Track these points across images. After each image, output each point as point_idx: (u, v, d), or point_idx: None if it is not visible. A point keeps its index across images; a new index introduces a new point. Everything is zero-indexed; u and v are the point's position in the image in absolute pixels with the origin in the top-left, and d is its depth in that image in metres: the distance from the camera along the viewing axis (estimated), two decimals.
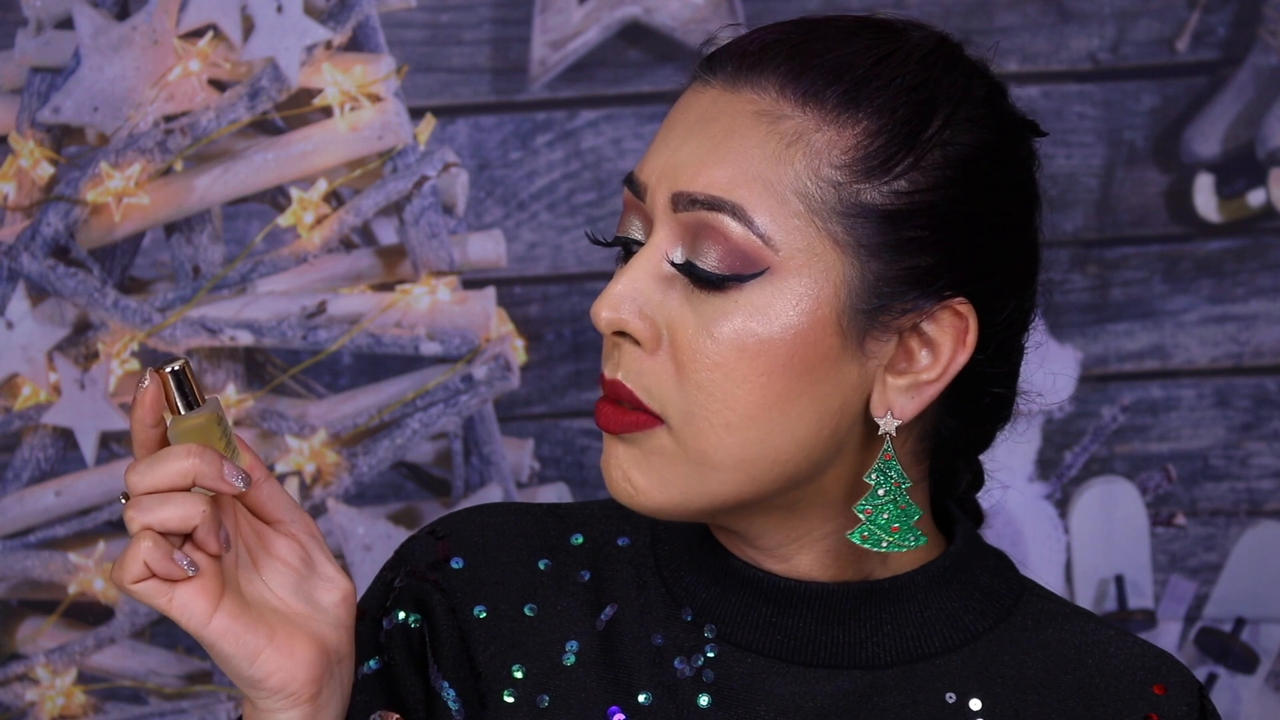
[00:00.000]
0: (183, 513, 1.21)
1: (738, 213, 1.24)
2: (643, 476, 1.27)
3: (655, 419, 1.26)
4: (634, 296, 1.26)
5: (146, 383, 1.23)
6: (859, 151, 1.24)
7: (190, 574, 1.21)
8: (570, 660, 1.34)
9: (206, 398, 1.24)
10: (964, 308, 1.26)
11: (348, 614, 1.27)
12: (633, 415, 1.26)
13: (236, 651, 1.23)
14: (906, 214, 1.24)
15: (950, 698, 1.31)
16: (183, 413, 1.23)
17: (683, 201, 1.25)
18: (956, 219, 1.26)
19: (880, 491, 1.28)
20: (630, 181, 1.28)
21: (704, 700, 1.31)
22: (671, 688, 1.32)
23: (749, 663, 1.31)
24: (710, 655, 1.32)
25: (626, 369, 1.26)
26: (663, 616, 1.34)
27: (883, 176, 1.24)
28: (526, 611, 1.35)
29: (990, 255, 1.27)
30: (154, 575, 1.21)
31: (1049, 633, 1.34)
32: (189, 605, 1.22)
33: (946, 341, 1.27)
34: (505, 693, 1.33)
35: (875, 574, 1.33)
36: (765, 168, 1.24)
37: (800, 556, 1.31)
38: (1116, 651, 1.34)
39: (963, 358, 1.27)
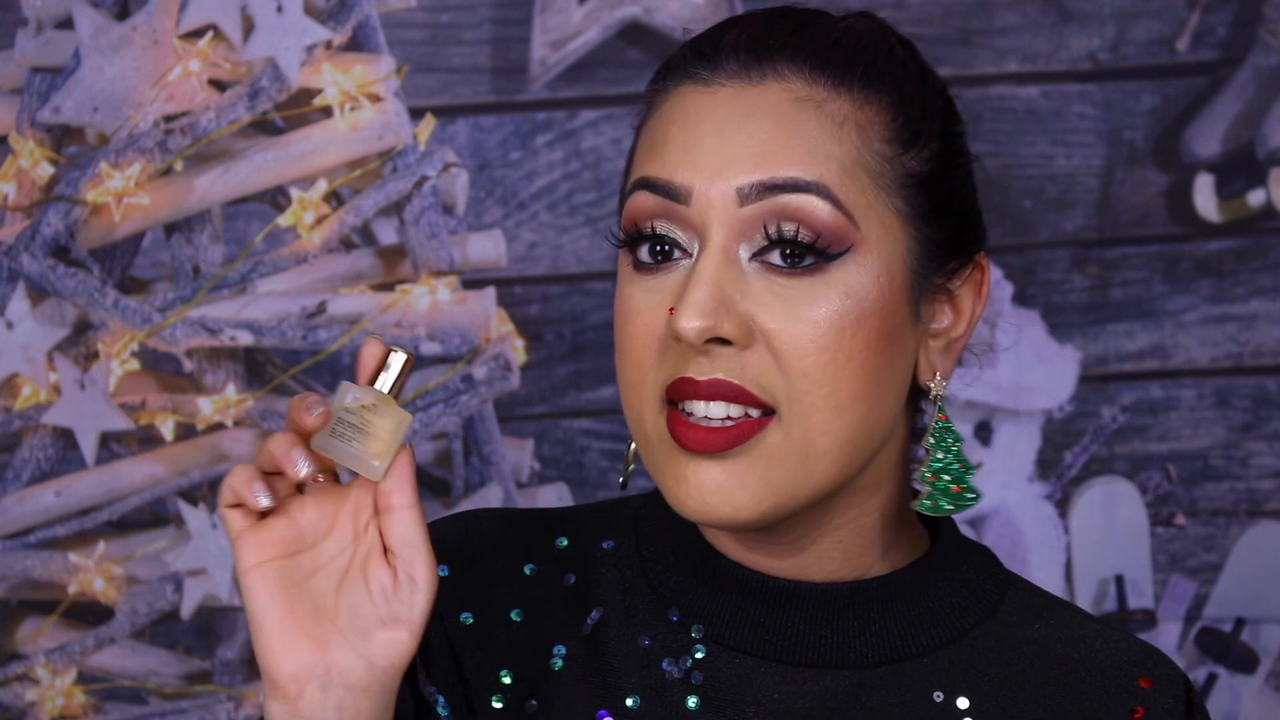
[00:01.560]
0: (267, 444, 1.23)
1: (823, 192, 1.25)
2: (744, 489, 1.26)
3: (764, 418, 1.25)
4: (718, 299, 1.24)
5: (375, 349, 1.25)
6: (892, 127, 1.28)
7: (260, 503, 1.22)
8: (558, 665, 1.34)
9: (397, 405, 1.25)
10: (983, 260, 1.33)
11: (387, 661, 1.24)
12: (735, 429, 1.25)
13: (250, 609, 1.23)
14: (940, 178, 1.29)
15: (938, 696, 1.31)
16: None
17: (756, 191, 1.25)
18: (963, 175, 1.32)
19: (940, 455, 1.29)
20: (657, 188, 1.27)
21: (692, 702, 1.31)
22: (660, 690, 1.32)
23: (737, 663, 1.31)
24: (699, 656, 1.32)
25: (726, 368, 1.25)
26: (649, 618, 1.34)
27: (914, 147, 1.28)
28: (513, 617, 1.35)
29: (975, 204, 1.34)
30: (239, 505, 1.23)
31: (1035, 627, 1.35)
32: (244, 548, 1.22)
33: (968, 295, 1.32)
34: (494, 699, 1.33)
35: (874, 570, 1.33)
36: (830, 147, 1.26)
37: (814, 548, 1.32)
38: (1102, 645, 1.34)
39: (980, 308, 1.32)
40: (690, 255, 1.27)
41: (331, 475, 1.26)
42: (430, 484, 2.32)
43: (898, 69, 1.29)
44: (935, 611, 1.33)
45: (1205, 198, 2.32)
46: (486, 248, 2.31)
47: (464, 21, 2.30)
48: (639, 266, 1.28)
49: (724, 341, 1.24)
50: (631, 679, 1.32)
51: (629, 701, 1.32)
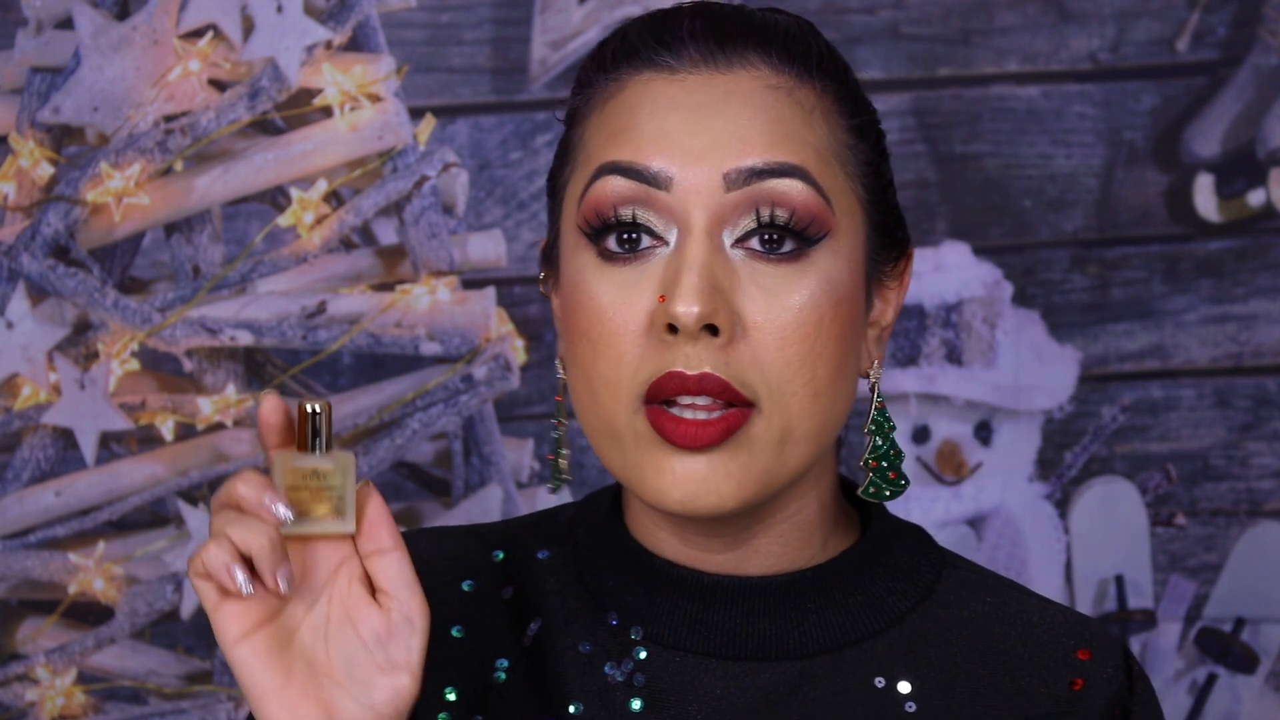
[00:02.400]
0: (244, 536, 1.19)
1: (807, 176, 1.26)
2: (730, 479, 1.26)
3: (746, 409, 1.25)
4: (712, 285, 1.24)
5: (265, 405, 1.21)
6: (846, 116, 1.30)
7: (243, 592, 1.19)
8: (501, 678, 1.34)
9: (336, 452, 1.22)
10: (910, 250, 1.35)
11: (392, 709, 1.23)
12: (721, 420, 1.24)
13: (246, 682, 1.21)
14: (882, 169, 1.31)
15: (879, 682, 1.32)
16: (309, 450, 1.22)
17: (742, 176, 1.25)
18: (889, 167, 1.34)
19: (879, 442, 1.31)
20: (630, 172, 1.26)
21: (636, 704, 1.31)
22: (603, 694, 1.32)
23: (679, 662, 1.32)
24: (640, 658, 1.32)
25: (713, 362, 1.24)
26: (589, 624, 1.34)
27: (863, 137, 1.30)
28: (454, 634, 1.34)
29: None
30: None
31: (972, 606, 1.35)
32: (224, 622, 1.21)
33: (894, 284, 1.33)
34: (440, 716, 1.33)
35: (814, 561, 1.33)
36: (806, 134, 1.27)
37: (754, 541, 1.32)
38: (1039, 620, 1.35)
39: (903, 295, 1.34)
40: (666, 243, 1.26)
41: None
42: (430, 484, 2.32)
43: (839, 62, 1.32)
44: (872, 597, 1.34)
45: (1205, 198, 2.32)
46: (486, 248, 2.31)
47: (464, 21, 2.30)
48: (609, 257, 1.27)
49: (713, 330, 1.24)
50: (574, 685, 1.32)
51: (572, 709, 1.32)
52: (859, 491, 1.32)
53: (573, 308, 1.28)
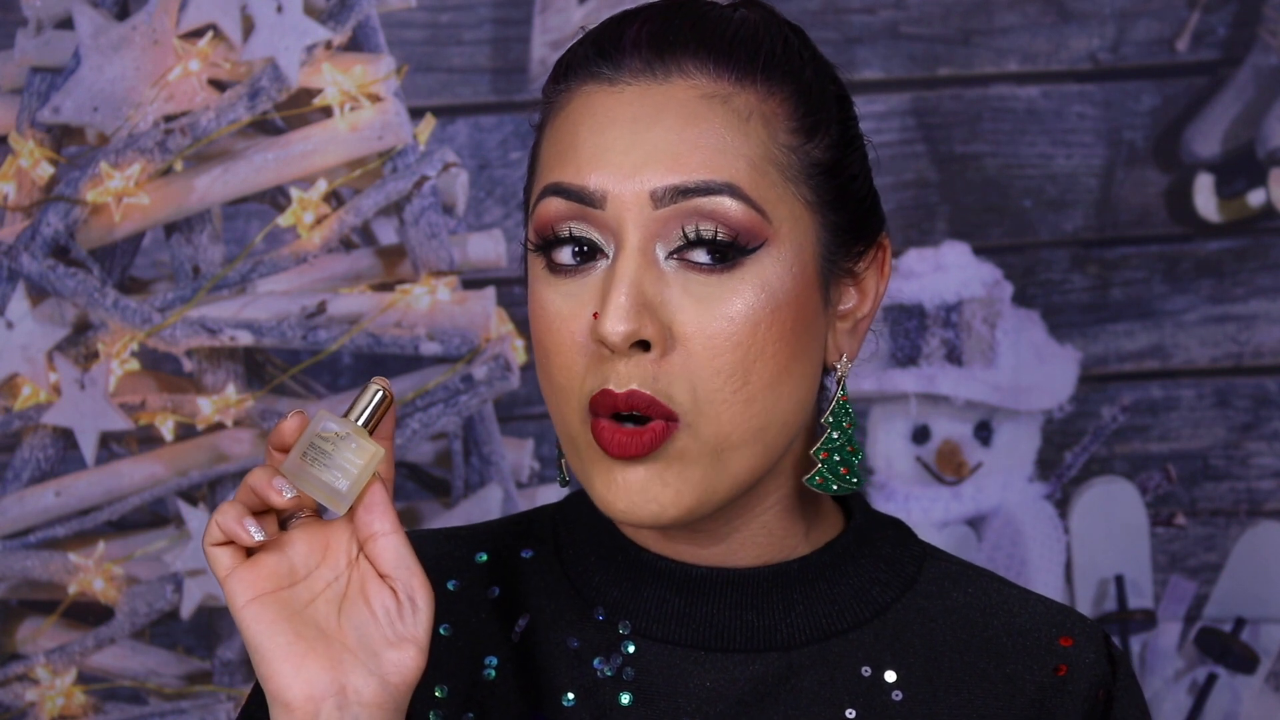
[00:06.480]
0: (250, 482, 1.24)
1: (735, 191, 1.26)
2: (668, 488, 1.28)
3: (673, 422, 1.26)
4: (639, 302, 1.26)
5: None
6: (795, 117, 1.29)
7: (255, 538, 1.23)
8: (491, 675, 1.35)
9: (367, 436, 1.25)
10: (885, 240, 1.35)
11: (399, 679, 1.25)
12: (650, 430, 1.26)
13: (253, 641, 1.24)
14: (841, 164, 1.31)
15: (866, 671, 1.34)
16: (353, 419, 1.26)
17: (669, 194, 1.26)
18: (859, 159, 1.33)
19: (834, 435, 1.32)
20: (569, 193, 1.28)
21: (625, 699, 1.33)
22: (592, 689, 1.33)
23: (667, 655, 1.33)
24: (629, 652, 1.34)
25: (640, 378, 1.26)
26: (576, 620, 1.35)
27: (816, 135, 1.30)
28: (441, 632, 1.36)
29: (873, 187, 1.36)
30: (228, 542, 1.24)
31: (954, 597, 1.37)
32: (236, 585, 1.24)
33: (871, 276, 1.34)
34: (431, 714, 1.34)
35: (799, 550, 1.35)
36: (739, 144, 1.27)
37: (739, 535, 1.34)
38: (1020, 610, 1.37)
39: (883, 286, 1.34)
40: (607, 256, 1.28)
41: (315, 513, 1.27)
42: (430, 484, 2.32)
43: (795, 58, 1.31)
44: (856, 588, 1.36)
45: (1205, 198, 2.32)
46: (486, 247, 2.31)
47: (464, 21, 2.30)
48: (556, 269, 1.29)
49: (644, 345, 1.26)
50: (564, 680, 1.34)
51: (562, 703, 1.33)
52: (804, 479, 1.32)
53: (531, 317, 1.32)
